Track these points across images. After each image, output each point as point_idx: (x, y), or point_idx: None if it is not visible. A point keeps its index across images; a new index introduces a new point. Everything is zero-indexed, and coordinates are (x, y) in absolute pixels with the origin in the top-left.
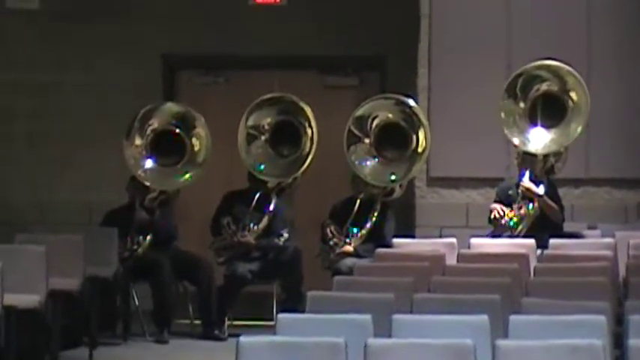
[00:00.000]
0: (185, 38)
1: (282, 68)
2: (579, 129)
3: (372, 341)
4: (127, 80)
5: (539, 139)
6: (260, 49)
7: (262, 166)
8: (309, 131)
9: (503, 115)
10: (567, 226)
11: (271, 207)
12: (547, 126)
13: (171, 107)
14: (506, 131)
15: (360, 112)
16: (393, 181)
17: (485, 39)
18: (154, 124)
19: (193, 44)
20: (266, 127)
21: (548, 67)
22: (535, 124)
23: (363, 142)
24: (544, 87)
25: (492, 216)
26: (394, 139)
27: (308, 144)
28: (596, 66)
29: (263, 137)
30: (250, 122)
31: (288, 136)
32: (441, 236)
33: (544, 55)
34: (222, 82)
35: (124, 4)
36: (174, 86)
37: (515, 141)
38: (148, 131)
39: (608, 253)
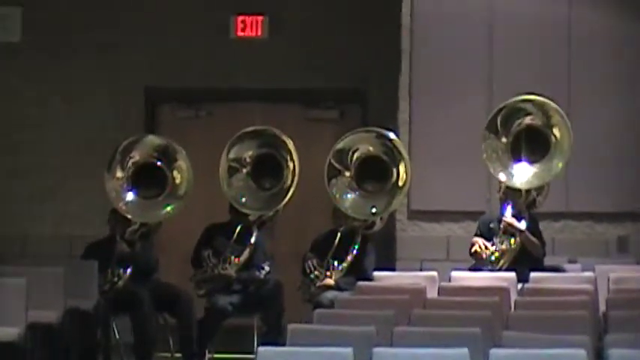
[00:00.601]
0: (167, 71)
1: (263, 101)
2: (561, 165)
3: None
4: (109, 113)
5: (522, 174)
6: (242, 82)
7: (244, 199)
8: (290, 164)
9: (485, 150)
10: (548, 260)
11: (252, 240)
12: (530, 161)
13: (152, 140)
14: (489, 167)
15: (340, 145)
16: (374, 214)
17: (466, 73)
18: (136, 156)
19: (175, 77)
20: (247, 160)
21: (533, 102)
22: (519, 159)
23: (344, 176)
24: (527, 120)
25: (474, 250)
26: (375, 173)
27: (289, 177)
28: (576, 101)
29: (244, 170)
30: (232, 155)
31: (270, 169)
32: (421, 269)
33: (525, 89)
34: (203, 116)
35: (107, 37)
36: (156, 119)
37: (501, 177)
38: (129, 164)
39: (589, 287)
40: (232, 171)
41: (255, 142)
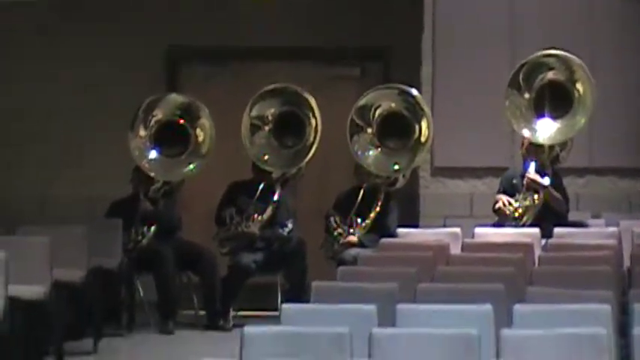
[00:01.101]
0: (188, 30)
1: (285, 59)
2: (584, 121)
3: (377, 331)
4: (131, 72)
5: (545, 130)
6: (263, 40)
7: (266, 157)
8: (312, 122)
9: (508, 106)
10: (571, 215)
11: (275, 197)
12: (553, 116)
13: (175, 98)
14: (512, 123)
15: (362, 101)
16: (396, 170)
17: (488, 29)
18: (158, 114)
19: (196, 36)
20: (270, 117)
21: (556, 56)
22: (542, 115)
23: (366, 132)
24: (550, 75)
25: (497, 207)
26: (397, 129)
27: (312, 134)
28: (599, 56)
29: (267, 128)
30: (254, 113)
31: (292, 126)
32: (445, 226)
33: (547, 44)
34: (225, 73)
35: None
36: (178, 78)
37: (525, 133)
38: (152, 122)
39: (613, 242)
40: (254, 129)
41: (277, 99)
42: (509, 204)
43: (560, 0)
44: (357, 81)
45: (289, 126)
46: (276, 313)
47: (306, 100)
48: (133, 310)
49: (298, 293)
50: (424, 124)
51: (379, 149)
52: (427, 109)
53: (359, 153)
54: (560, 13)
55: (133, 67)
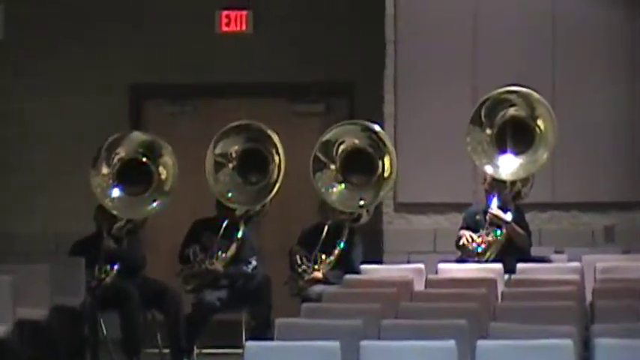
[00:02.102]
0: (152, 67)
1: (249, 96)
2: (545, 156)
3: None
4: (96, 109)
5: (508, 166)
6: (227, 77)
7: (230, 194)
8: (276, 158)
9: (470, 142)
10: (534, 251)
11: (239, 234)
12: (515, 152)
13: (138, 136)
14: (474, 159)
15: (326, 137)
16: (361, 206)
17: (450, 65)
18: (121, 152)
19: (160, 73)
20: (233, 154)
21: (517, 93)
22: (504, 151)
23: (329, 168)
24: (512, 111)
25: (462, 243)
26: (360, 165)
27: (276, 171)
28: (561, 91)
29: (231, 165)
30: (218, 150)
31: (256, 163)
32: (408, 262)
33: (509, 81)
34: (189, 111)
35: (91, 33)
36: (142, 115)
37: (487, 169)
38: (115, 160)
39: (575, 277)
40: (218, 166)
41: (240, 136)
42: (473, 239)
43: (523, 36)
44: (321, 117)
45: (253, 163)
46: (240, 351)
47: (270, 136)
48: (97, 348)
49: (263, 330)
50: (387, 160)
51: (343, 185)
52: (390, 145)
53: (323, 189)
54: (523, 49)
55: (97, 103)
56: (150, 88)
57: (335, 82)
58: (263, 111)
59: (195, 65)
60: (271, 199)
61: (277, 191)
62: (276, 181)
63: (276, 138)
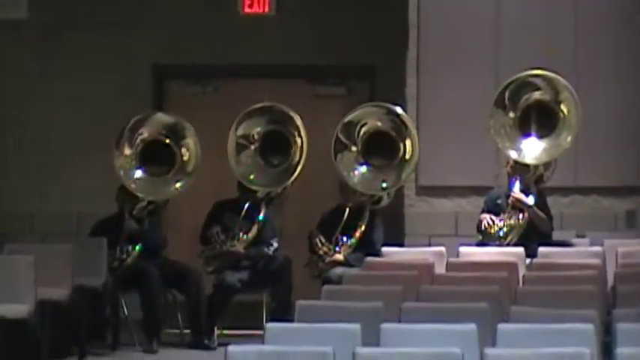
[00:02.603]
0: (175, 48)
1: (271, 77)
2: (569, 139)
3: (361, 350)
4: (117, 90)
5: (531, 150)
6: (249, 58)
7: (252, 176)
8: (298, 141)
9: (493, 125)
10: (556, 235)
11: (261, 216)
12: (539, 136)
13: (161, 117)
14: (497, 142)
15: (348, 118)
16: (384, 188)
17: (473, 48)
18: (144, 133)
19: (183, 54)
20: (255, 136)
21: (541, 77)
22: (527, 135)
23: (351, 150)
24: (536, 95)
25: (482, 226)
26: (382, 148)
27: (297, 153)
28: (584, 75)
29: (252, 147)
30: (240, 132)
31: (278, 145)
32: (429, 245)
33: (532, 63)
34: (211, 92)
35: (113, 14)
36: (164, 96)
37: (510, 152)
38: (138, 141)
39: (597, 261)
40: (240, 148)
41: (263, 118)
42: (494, 223)
43: (546, 19)
44: (342, 99)
45: (275, 145)
46: (260, 332)
47: (292, 118)
48: (118, 329)
49: (283, 312)
50: (409, 142)
51: (365, 167)
52: (412, 128)
53: (344, 172)
54: (547, 32)
55: (120, 84)
56: (172, 68)
57: (357, 64)
58: (284, 93)
59: (217, 46)
60: (293, 182)
61: (299, 173)
62: (298, 163)
63: (298, 120)
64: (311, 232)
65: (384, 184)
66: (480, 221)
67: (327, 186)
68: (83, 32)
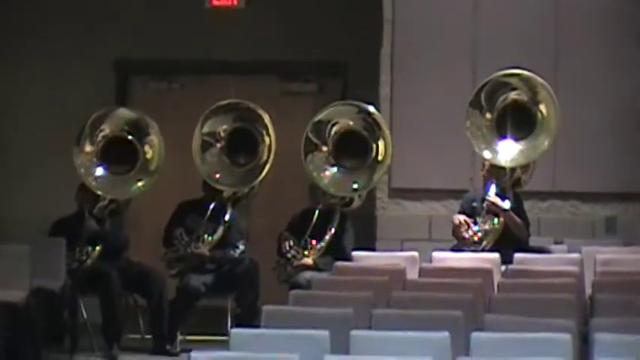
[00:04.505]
0: (139, 42)
1: (239, 74)
2: (547, 143)
3: (330, 358)
4: (78, 87)
5: (507, 152)
6: (216, 53)
7: (217, 175)
8: (266, 139)
9: (469, 126)
10: (533, 241)
11: (226, 217)
12: (516, 138)
13: (123, 113)
14: (473, 144)
15: (319, 117)
16: (355, 190)
17: (450, 45)
18: (106, 130)
19: (147, 49)
20: (222, 134)
21: (519, 76)
22: (504, 136)
23: (321, 150)
24: (513, 96)
25: (456, 223)
26: (353, 148)
27: (265, 152)
28: (564, 76)
29: (218, 145)
30: (205, 129)
31: (245, 144)
32: (402, 249)
33: (510, 63)
34: (176, 88)
35: (75, 6)
36: (128, 92)
37: (486, 154)
38: (99, 138)
39: (575, 269)
40: (206, 146)
41: (229, 115)
42: (468, 226)
43: (524, 17)
44: (313, 97)
45: (242, 143)
46: (225, 338)
47: (260, 116)
48: (76, 333)
49: (249, 317)
50: (382, 143)
51: (335, 168)
52: (385, 128)
53: (314, 172)
54: (525, 31)
55: (81, 79)
56: (136, 63)
57: (329, 61)
58: (253, 89)
59: (183, 40)
60: (260, 181)
61: (267, 173)
62: (266, 162)
63: (266, 118)
64: (281, 234)
65: (355, 186)
66: (453, 221)
67: (296, 187)
68: (42, 26)
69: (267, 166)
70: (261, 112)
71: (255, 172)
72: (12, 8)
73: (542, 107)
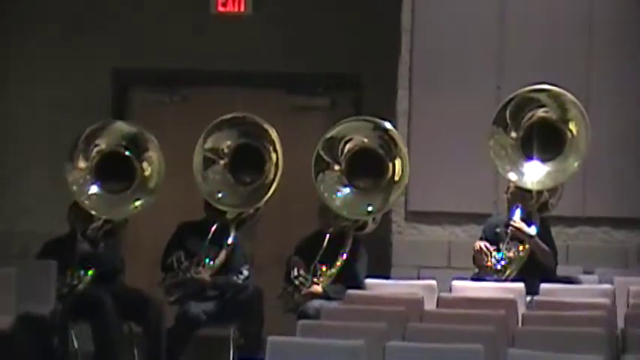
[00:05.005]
0: (138, 51)
1: (245, 86)
2: (576, 164)
3: None
4: (73, 97)
5: (534, 174)
6: (221, 64)
7: (220, 195)
8: (273, 156)
9: (493, 146)
10: (561, 270)
11: (230, 240)
12: (543, 159)
13: (121, 127)
14: (497, 164)
15: (331, 133)
16: (369, 212)
17: (473, 58)
18: (101, 144)
19: (147, 58)
20: (225, 150)
21: (547, 92)
22: (530, 157)
23: (333, 170)
24: (540, 113)
25: (477, 249)
26: (367, 167)
27: (272, 170)
28: (595, 94)
29: (222, 162)
30: (208, 145)
31: (250, 161)
32: (419, 277)
33: (539, 78)
34: (178, 101)
35: (72, 13)
36: (126, 104)
37: (511, 176)
38: (94, 153)
39: (606, 301)
40: (208, 163)
41: (234, 130)
42: (490, 253)
43: (554, 30)
44: (325, 112)
45: (247, 161)
46: None
47: (267, 131)
48: None
49: (253, 349)
50: (398, 162)
51: (348, 189)
52: (403, 147)
53: (326, 193)
54: (553, 45)
55: (75, 91)
56: (135, 73)
57: (342, 73)
58: (260, 103)
59: (186, 49)
60: (266, 202)
61: (273, 193)
62: (273, 181)
63: (273, 133)
64: (290, 259)
65: (370, 208)
66: (474, 248)
67: (305, 209)
68: (35, 33)
69: (274, 186)
70: (267, 126)
71: (261, 192)
72: (7, 13)
73: (571, 126)
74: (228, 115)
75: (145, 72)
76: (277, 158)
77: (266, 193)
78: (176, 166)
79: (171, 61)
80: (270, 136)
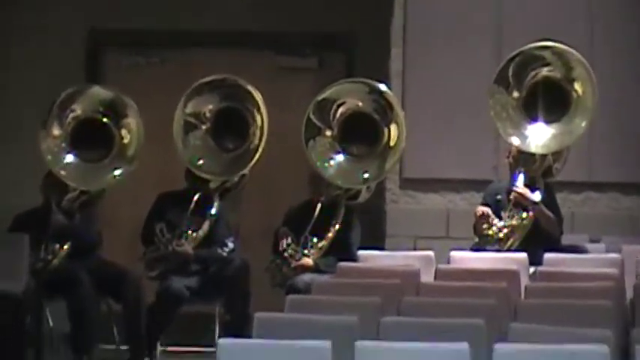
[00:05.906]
0: (114, 10)
1: (229, 46)
2: (584, 125)
3: None
4: (44, 61)
5: (538, 136)
6: (203, 23)
7: (202, 162)
8: (258, 119)
9: (493, 106)
10: (566, 239)
11: (213, 211)
12: (547, 120)
13: (97, 92)
14: (498, 127)
15: (323, 96)
16: (365, 180)
17: (471, 14)
18: (77, 111)
19: (123, 18)
20: (207, 114)
21: (553, 49)
22: (534, 118)
23: (325, 135)
24: (544, 72)
25: (478, 214)
26: (360, 132)
27: (257, 135)
28: (600, 52)
29: (203, 127)
30: (188, 109)
31: (234, 125)
32: (415, 248)
33: (541, 35)
34: (156, 63)
35: None
36: (100, 67)
37: (513, 139)
38: (69, 119)
39: (614, 271)
40: (189, 128)
41: (216, 94)
42: (492, 221)
43: None
44: (313, 73)
45: (230, 125)
46: (212, 349)
47: (250, 93)
48: (41, 343)
49: (240, 326)
50: (394, 127)
51: (342, 156)
52: (399, 110)
53: (318, 161)
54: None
55: (48, 54)
56: (111, 34)
57: (331, 32)
58: (244, 64)
59: (165, 8)
60: (252, 169)
61: (259, 160)
62: (258, 147)
63: (257, 95)
64: (278, 229)
65: (366, 176)
66: (475, 214)
67: (294, 176)
68: None
69: (259, 151)
70: (250, 88)
71: (245, 158)
72: None
73: (577, 85)
74: (209, 78)
75: (121, 32)
76: (262, 121)
77: (251, 160)
78: (156, 133)
79: (149, 21)
80: (254, 98)
